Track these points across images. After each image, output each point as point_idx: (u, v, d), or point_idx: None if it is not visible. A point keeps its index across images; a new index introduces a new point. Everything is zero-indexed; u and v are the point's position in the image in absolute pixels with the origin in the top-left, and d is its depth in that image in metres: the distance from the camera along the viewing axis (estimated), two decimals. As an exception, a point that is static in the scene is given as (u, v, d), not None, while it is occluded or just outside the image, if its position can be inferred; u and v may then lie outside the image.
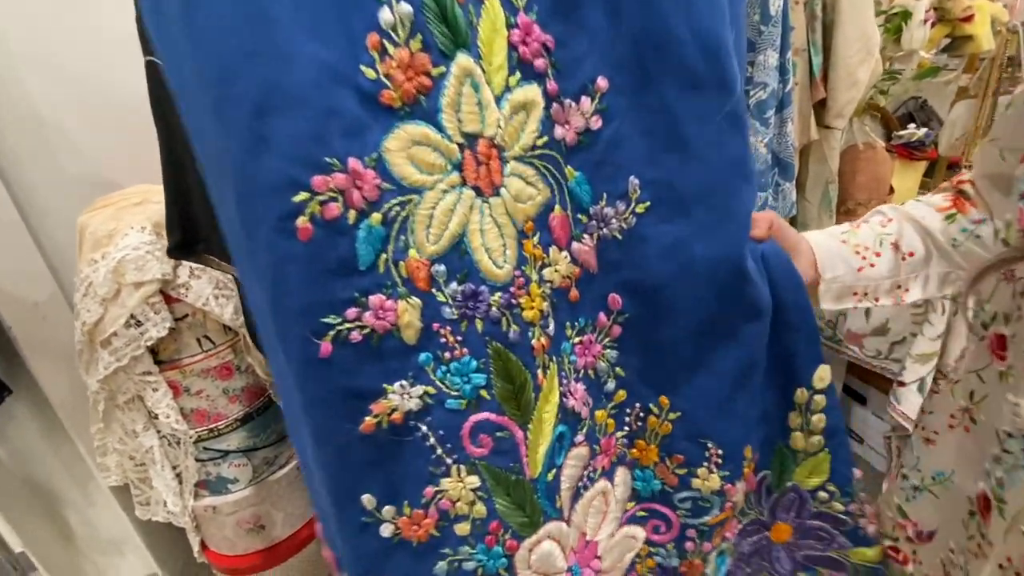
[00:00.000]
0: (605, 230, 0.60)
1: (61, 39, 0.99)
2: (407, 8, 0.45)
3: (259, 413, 1.16)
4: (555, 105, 0.56)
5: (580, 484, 0.65)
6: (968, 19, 1.32)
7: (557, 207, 0.58)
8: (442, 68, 0.48)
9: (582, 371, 0.64)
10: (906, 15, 1.26)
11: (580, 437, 0.64)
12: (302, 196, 0.45)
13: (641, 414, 0.66)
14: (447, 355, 0.54)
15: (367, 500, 0.54)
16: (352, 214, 0.47)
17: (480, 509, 0.58)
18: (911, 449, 0.71)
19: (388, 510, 0.55)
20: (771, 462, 0.71)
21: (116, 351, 0.95)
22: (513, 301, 0.55)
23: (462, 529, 0.58)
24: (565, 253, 0.59)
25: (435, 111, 0.48)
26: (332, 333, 0.49)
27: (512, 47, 0.52)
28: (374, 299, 0.50)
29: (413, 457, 0.55)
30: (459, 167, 0.50)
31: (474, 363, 0.55)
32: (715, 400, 0.64)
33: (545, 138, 0.55)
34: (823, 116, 1.22)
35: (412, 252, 0.50)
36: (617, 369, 0.65)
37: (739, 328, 0.62)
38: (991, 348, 0.56)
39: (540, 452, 0.59)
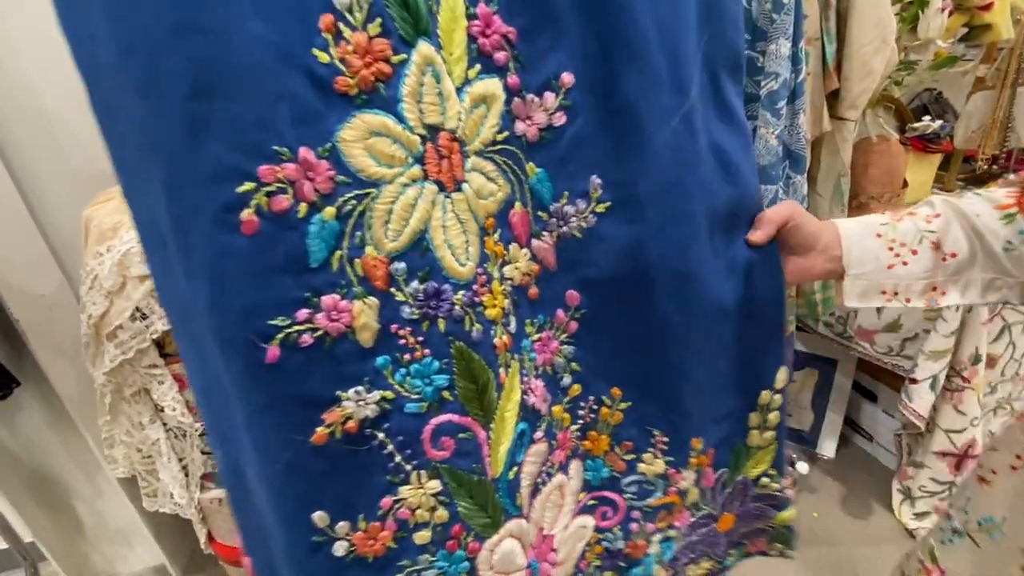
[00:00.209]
0: (565, 228, 0.60)
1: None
2: None
3: (264, 406, 1.16)
4: (516, 100, 0.55)
5: (539, 480, 0.65)
6: (987, 7, 1.28)
7: (517, 203, 0.57)
8: (403, 55, 0.46)
9: (541, 368, 0.63)
10: (923, 3, 1.23)
11: (539, 434, 0.63)
12: (247, 186, 0.42)
13: (595, 406, 0.67)
14: (407, 357, 0.52)
15: (319, 517, 0.51)
16: (303, 207, 0.44)
17: (442, 514, 0.56)
18: (963, 488, 0.67)
19: (342, 526, 0.52)
20: (729, 460, 0.74)
21: (122, 344, 0.96)
22: (476, 299, 0.54)
23: (422, 537, 0.56)
24: (525, 250, 0.59)
25: (395, 100, 0.46)
26: (280, 336, 0.46)
27: (472, 38, 0.50)
28: (327, 299, 0.47)
29: (369, 467, 0.53)
30: (421, 160, 0.49)
31: (436, 364, 0.53)
32: (663, 391, 0.66)
33: (505, 133, 0.54)
34: (836, 107, 1.19)
35: (369, 249, 0.48)
36: (573, 364, 0.65)
37: (688, 326, 0.64)
38: None
39: (502, 451, 0.58)
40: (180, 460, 1.11)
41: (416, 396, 0.52)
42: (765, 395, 0.71)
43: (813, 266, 0.60)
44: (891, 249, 0.57)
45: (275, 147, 0.43)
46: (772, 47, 0.95)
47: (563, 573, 0.70)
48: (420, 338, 0.52)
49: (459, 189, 0.52)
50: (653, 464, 0.69)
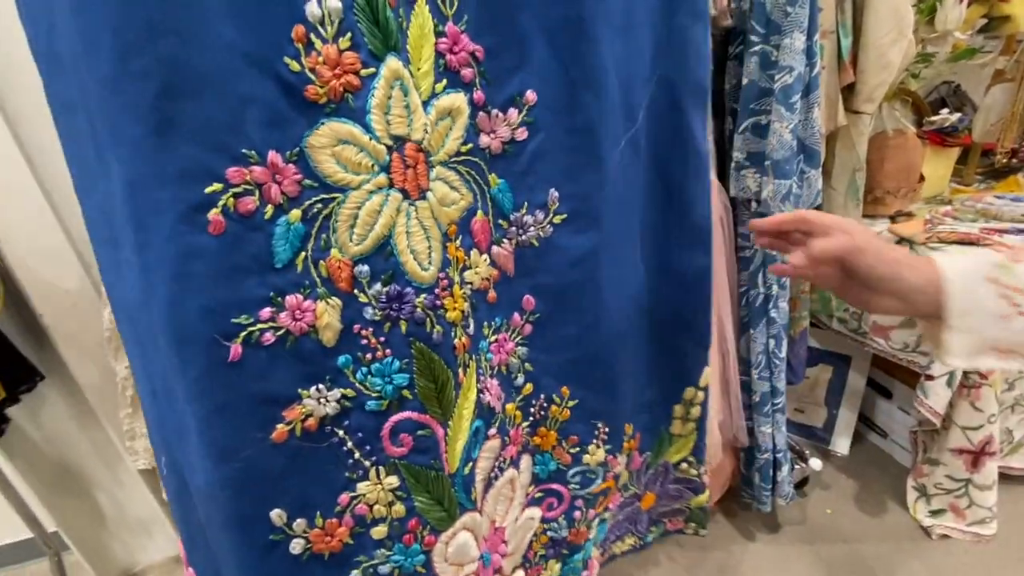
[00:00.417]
0: (524, 236, 0.64)
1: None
2: (336, 4, 0.44)
3: (280, 400, 1.18)
4: (481, 114, 0.57)
5: (492, 475, 0.67)
6: (1007, -2, 1.26)
7: (479, 212, 0.60)
8: (372, 69, 0.47)
9: (496, 368, 0.66)
10: (941, -6, 1.21)
11: (493, 431, 0.66)
12: (215, 187, 0.43)
13: (545, 404, 0.71)
14: (368, 356, 0.53)
15: (277, 516, 0.52)
16: (269, 209, 0.46)
17: (399, 509, 0.58)
18: None
19: (299, 523, 0.54)
20: (653, 445, 0.83)
21: (142, 338, 0.97)
22: (437, 302, 0.56)
23: (379, 532, 0.58)
24: (485, 256, 0.62)
25: (364, 111, 0.48)
26: (243, 334, 0.47)
27: (440, 54, 0.53)
28: (291, 299, 0.48)
29: (328, 464, 0.54)
30: (387, 169, 0.50)
31: (397, 363, 0.54)
32: (605, 387, 0.73)
33: (470, 145, 0.57)
34: (851, 101, 1.18)
35: (334, 252, 0.49)
36: (526, 365, 0.69)
37: (628, 327, 0.72)
38: None
39: (458, 447, 0.60)
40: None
41: (376, 394, 0.54)
42: (690, 391, 0.81)
43: (898, 308, 0.47)
44: (1008, 298, 0.45)
45: (244, 150, 0.44)
46: (786, 41, 0.94)
47: (512, 563, 0.74)
48: (382, 338, 0.53)
49: (423, 197, 0.53)
50: (596, 454, 0.75)
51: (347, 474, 0.55)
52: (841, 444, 1.62)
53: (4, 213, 0.96)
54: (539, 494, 0.75)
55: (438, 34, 0.52)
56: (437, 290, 0.55)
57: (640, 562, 1.35)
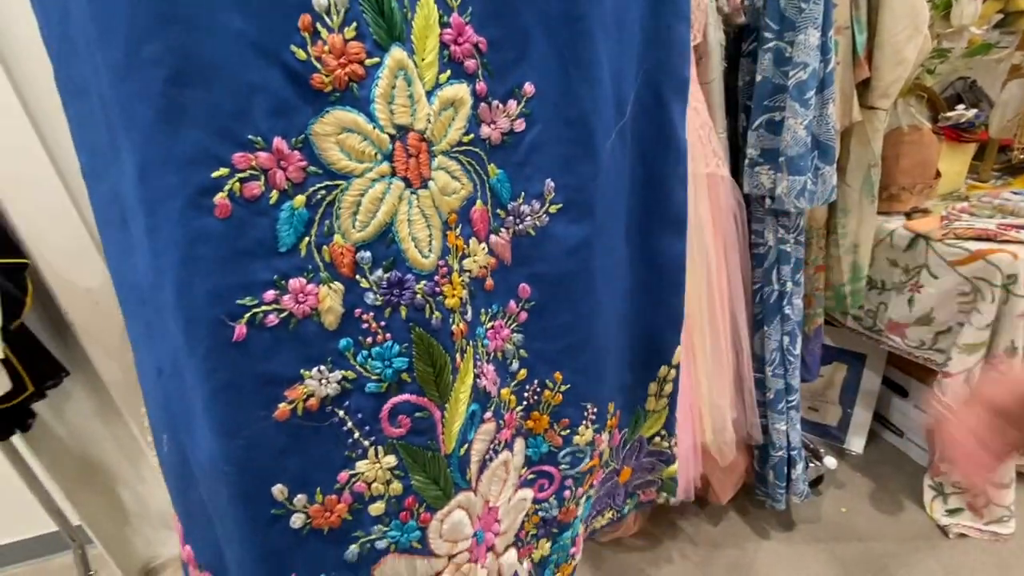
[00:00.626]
0: (520, 226, 0.65)
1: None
2: None
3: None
4: (483, 105, 0.58)
5: (487, 456, 0.69)
6: (1024, -8, 1.25)
7: (479, 202, 0.61)
8: (376, 59, 0.48)
9: (492, 353, 0.68)
10: (956, -11, 1.20)
11: (489, 414, 0.67)
12: (221, 172, 0.44)
13: (538, 389, 0.73)
14: (368, 340, 0.54)
15: (278, 491, 0.54)
16: (274, 194, 0.47)
17: (396, 487, 0.59)
18: None
19: (300, 499, 0.55)
20: (630, 421, 0.86)
21: (165, 335, 0.99)
22: (437, 289, 0.57)
23: (376, 509, 0.59)
24: (483, 245, 0.63)
25: (367, 100, 0.49)
26: (248, 315, 0.48)
27: (444, 45, 0.53)
28: (294, 282, 0.49)
29: (328, 443, 0.55)
30: (389, 157, 0.51)
31: (396, 347, 0.55)
32: (595, 370, 0.75)
33: (471, 135, 0.58)
34: (866, 97, 1.17)
35: (337, 237, 0.50)
36: (521, 351, 0.70)
37: (613, 311, 0.75)
38: None
39: (455, 429, 0.62)
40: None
41: (376, 377, 0.55)
42: (663, 369, 0.85)
43: None
44: None
45: (250, 136, 0.45)
46: (801, 37, 0.94)
47: (505, 542, 0.76)
48: (382, 323, 0.54)
49: (425, 186, 0.54)
50: (584, 435, 0.77)
51: (347, 453, 0.56)
52: (856, 443, 1.61)
53: (31, 213, 0.98)
54: (531, 476, 0.77)
55: (443, 25, 0.53)
56: (437, 277, 0.57)
57: (652, 559, 1.35)
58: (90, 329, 1.09)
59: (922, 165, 1.29)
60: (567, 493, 0.79)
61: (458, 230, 0.59)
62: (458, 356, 0.60)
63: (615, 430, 0.84)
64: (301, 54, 0.45)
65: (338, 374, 0.53)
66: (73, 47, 0.44)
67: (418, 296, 0.55)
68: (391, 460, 0.58)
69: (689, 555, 1.35)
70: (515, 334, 0.69)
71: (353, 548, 0.59)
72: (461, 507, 0.65)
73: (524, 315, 0.69)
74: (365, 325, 0.54)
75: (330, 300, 0.51)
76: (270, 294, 0.49)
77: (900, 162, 1.28)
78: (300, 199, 0.48)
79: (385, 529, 0.60)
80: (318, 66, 0.46)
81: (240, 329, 0.48)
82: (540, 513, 0.79)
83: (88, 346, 1.10)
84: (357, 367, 0.54)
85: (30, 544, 1.43)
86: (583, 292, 0.70)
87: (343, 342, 0.53)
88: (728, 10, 1.02)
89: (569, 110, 0.62)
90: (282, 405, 0.52)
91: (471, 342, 0.63)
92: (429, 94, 0.53)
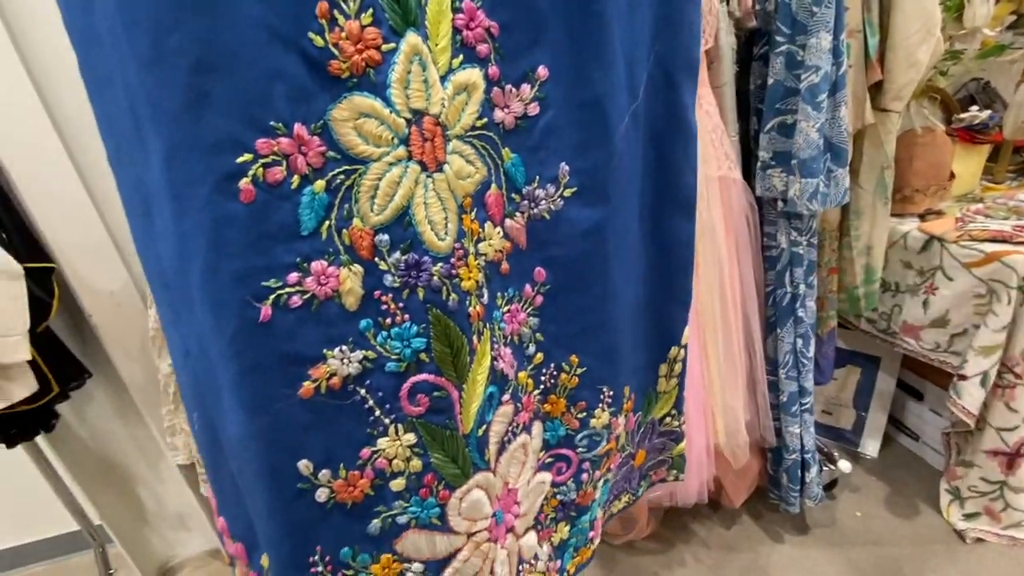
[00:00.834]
0: (535, 210, 0.65)
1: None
2: None
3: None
4: (496, 89, 0.59)
5: (505, 438, 0.70)
6: (1038, -7, 1.24)
7: (493, 186, 0.61)
8: (392, 44, 0.49)
9: (509, 337, 0.68)
10: (969, -8, 1.20)
11: (506, 396, 0.68)
12: (245, 157, 0.45)
13: (555, 372, 0.74)
14: (388, 321, 0.55)
15: (304, 466, 0.55)
16: (295, 179, 0.48)
17: (416, 464, 0.61)
18: None
19: (324, 474, 0.57)
20: (642, 404, 0.86)
21: (185, 337, 1.01)
22: (453, 272, 0.58)
23: (397, 485, 0.60)
24: (499, 229, 0.63)
25: (384, 85, 0.49)
26: (272, 297, 0.49)
27: (456, 30, 0.54)
28: (316, 265, 0.51)
29: (350, 420, 0.57)
30: (405, 141, 0.52)
31: (415, 328, 0.56)
32: (610, 353, 0.75)
33: (485, 120, 0.58)
34: (879, 99, 1.17)
35: (356, 221, 0.51)
36: (537, 335, 0.71)
37: (627, 293, 0.75)
38: None
39: (472, 410, 0.63)
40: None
41: (395, 357, 0.57)
42: (674, 350, 0.85)
43: None
44: None
45: (272, 122, 0.46)
46: (812, 40, 0.95)
47: (524, 524, 0.77)
48: (401, 304, 0.55)
49: (440, 170, 0.55)
50: (601, 417, 0.78)
51: (368, 430, 0.58)
52: (870, 446, 1.59)
53: (55, 218, 1.01)
54: (549, 459, 0.78)
55: (455, 10, 0.53)
56: (453, 259, 0.57)
57: (665, 562, 1.35)
58: (112, 332, 1.12)
59: (936, 167, 1.28)
60: (584, 476, 0.80)
61: (473, 214, 0.60)
62: (475, 338, 0.61)
63: (630, 413, 0.84)
64: (319, 41, 0.46)
65: (359, 354, 0.55)
66: (97, 38, 0.45)
67: (435, 278, 0.56)
68: (411, 438, 0.59)
69: (702, 558, 1.35)
70: (531, 318, 0.70)
71: (375, 523, 0.61)
72: (480, 487, 0.66)
73: (540, 299, 0.69)
74: (384, 306, 0.55)
75: (350, 282, 0.52)
76: (293, 276, 0.50)
77: (913, 164, 1.27)
78: (320, 184, 0.49)
79: (406, 505, 0.61)
80: (335, 52, 0.47)
81: (265, 310, 0.49)
82: (558, 496, 0.80)
83: (110, 348, 1.12)
84: (377, 347, 0.55)
85: (51, 543, 1.46)
86: (598, 275, 0.70)
87: (363, 323, 0.54)
88: (739, 15, 1.02)
89: (583, 93, 0.62)
90: (306, 383, 0.53)
91: (488, 325, 0.63)
92: (443, 79, 0.54)
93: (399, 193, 0.52)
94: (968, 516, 1.33)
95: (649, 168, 0.73)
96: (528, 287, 0.68)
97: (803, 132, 1.00)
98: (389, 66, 0.49)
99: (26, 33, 0.93)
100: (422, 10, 0.51)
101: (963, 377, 1.18)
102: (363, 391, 0.56)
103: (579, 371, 0.74)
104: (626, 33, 0.63)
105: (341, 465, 0.57)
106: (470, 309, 0.60)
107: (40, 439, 1.15)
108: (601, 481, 0.83)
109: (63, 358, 1.09)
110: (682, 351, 0.85)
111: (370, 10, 0.47)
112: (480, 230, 0.61)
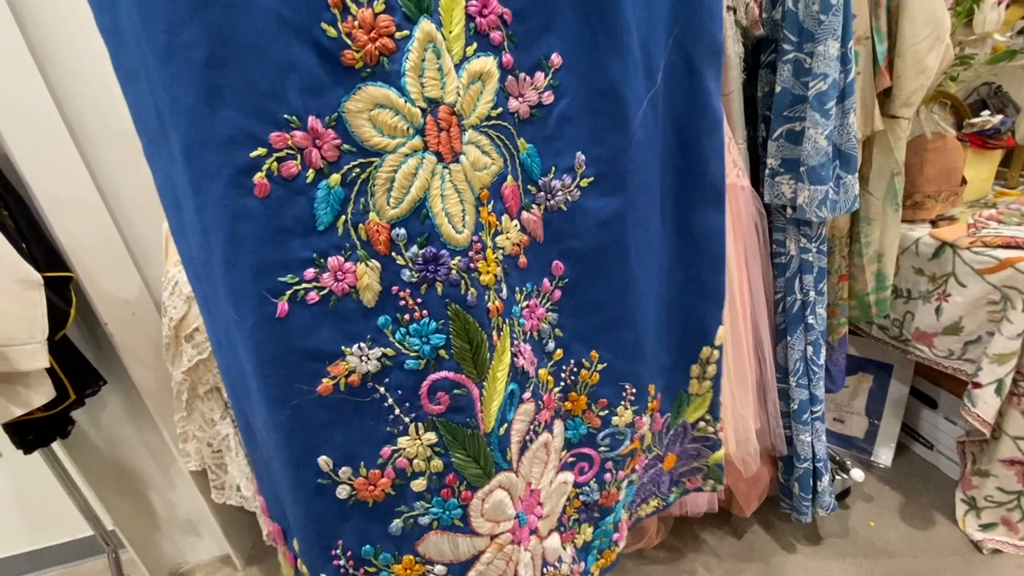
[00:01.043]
0: (552, 201, 0.64)
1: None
2: None
3: (324, 405, 1.22)
4: (510, 77, 0.58)
5: (527, 438, 0.69)
6: (1049, -2, 1.23)
7: (510, 177, 0.60)
8: (406, 32, 0.48)
9: (528, 333, 0.67)
10: (978, -3, 1.19)
11: (527, 394, 0.67)
12: (259, 151, 0.45)
13: (575, 369, 0.72)
14: (406, 317, 0.55)
15: (324, 462, 0.55)
16: (311, 173, 0.48)
17: (437, 464, 0.60)
18: None
19: (344, 471, 0.56)
20: (672, 406, 0.84)
21: (198, 345, 1.03)
22: (472, 265, 0.57)
23: (418, 485, 0.60)
24: (515, 222, 0.62)
25: (398, 74, 0.49)
26: (289, 292, 0.49)
27: (470, 17, 0.53)
28: (332, 260, 0.50)
29: (370, 418, 0.56)
30: (421, 132, 0.51)
31: (433, 324, 0.56)
32: (632, 349, 0.73)
33: (499, 109, 0.57)
34: (888, 106, 1.17)
35: (372, 215, 0.51)
36: (556, 330, 0.70)
37: (649, 287, 0.72)
38: None
39: (493, 408, 0.61)
40: (247, 455, 1.18)
41: (414, 354, 0.56)
42: (706, 351, 0.81)
43: None
44: None
45: (285, 115, 0.46)
46: (820, 48, 0.95)
47: (548, 526, 0.75)
48: (418, 300, 0.55)
49: (456, 160, 0.54)
50: (623, 415, 0.76)
51: (388, 428, 0.57)
52: (884, 455, 1.57)
53: (71, 227, 1.03)
54: (571, 459, 0.77)
55: None
56: (471, 253, 0.56)
57: (676, 572, 1.34)
58: (126, 339, 1.13)
59: (947, 172, 1.27)
60: (607, 476, 0.78)
61: (490, 206, 0.59)
62: (495, 334, 0.60)
63: (656, 414, 0.82)
64: (331, 31, 0.45)
65: (378, 351, 0.54)
66: (122, 35, 0.46)
67: (453, 272, 0.55)
68: (431, 437, 0.59)
69: (713, 568, 1.33)
70: (550, 313, 0.69)
71: (397, 523, 0.60)
72: (502, 487, 0.65)
73: (558, 293, 0.68)
74: (402, 302, 0.54)
75: (368, 278, 0.52)
76: (310, 272, 0.50)
77: (924, 170, 1.27)
78: (335, 178, 0.49)
79: (427, 505, 0.61)
80: (348, 42, 0.46)
81: (282, 306, 0.49)
82: (581, 497, 0.78)
83: (124, 356, 1.14)
84: (396, 344, 0.55)
85: (65, 548, 1.48)
86: (616, 267, 0.68)
87: (381, 319, 0.54)
88: (747, 23, 1.03)
89: (598, 80, 0.60)
90: (325, 380, 0.53)
91: (507, 320, 0.63)
92: (457, 67, 0.53)
93: (415, 185, 0.52)
94: (985, 527, 1.31)
95: (671, 157, 0.71)
96: (546, 281, 0.67)
97: (812, 139, 0.99)
98: (403, 54, 0.48)
99: (45, 42, 0.94)
100: None
101: (977, 385, 1.16)
102: (382, 389, 0.56)
103: (599, 367, 0.72)
104: (641, 16, 0.61)
105: (362, 463, 0.57)
106: (489, 304, 0.59)
107: (55, 445, 1.17)
108: (625, 482, 0.81)
109: (79, 365, 1.10)
110: (716, 352, 0.82)
111: None
112: (497, 223, 0.60)
